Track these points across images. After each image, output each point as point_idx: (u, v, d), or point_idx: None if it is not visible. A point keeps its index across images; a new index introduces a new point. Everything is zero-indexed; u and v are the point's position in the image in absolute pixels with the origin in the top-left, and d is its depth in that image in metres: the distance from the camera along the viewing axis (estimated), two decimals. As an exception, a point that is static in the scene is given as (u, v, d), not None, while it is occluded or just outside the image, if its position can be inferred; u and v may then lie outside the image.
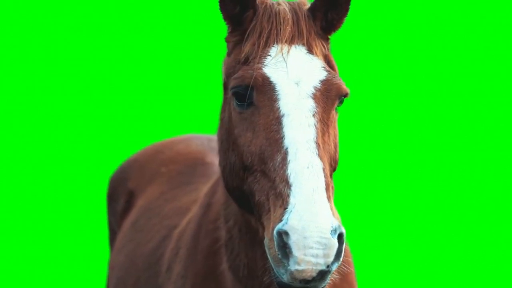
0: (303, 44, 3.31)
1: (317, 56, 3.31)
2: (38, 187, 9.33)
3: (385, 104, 10.00)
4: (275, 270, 3.03)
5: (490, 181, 9.40)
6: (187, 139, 5.29)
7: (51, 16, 10.31)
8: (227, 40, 3.44)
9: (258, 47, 3.27)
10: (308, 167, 3.03)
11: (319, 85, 3.23)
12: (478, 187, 9.34)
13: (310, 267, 2.91)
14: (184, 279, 3.87)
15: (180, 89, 10.03)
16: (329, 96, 3.23)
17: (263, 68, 3.21)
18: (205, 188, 4.20)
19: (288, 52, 3.26)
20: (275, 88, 3.19)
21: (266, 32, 3.28)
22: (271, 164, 3.07)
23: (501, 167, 9.53)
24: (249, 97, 3.20)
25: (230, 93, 3.29)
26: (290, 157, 3.05)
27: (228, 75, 3.35)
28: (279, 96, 3.18)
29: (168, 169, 4.90)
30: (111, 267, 4.86)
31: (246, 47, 3.28)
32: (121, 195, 5.16)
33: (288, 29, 3.30)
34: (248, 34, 3.30)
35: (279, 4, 3.40)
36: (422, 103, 10.01)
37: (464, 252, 8.62)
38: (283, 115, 3.14)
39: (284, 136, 3.10)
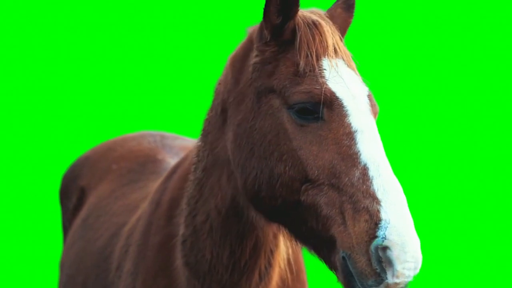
0: (342, 58, 3.37)
1: (354, 70, 3.38)
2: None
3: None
4: (358, 282, 3.10)
5: (483, 181, 9.43)
6: (139, 136, 5.29)
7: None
8: (260, 49, 3.39)
9: (312, 60, 3.29)
10: (394, 183, 3.11)
11: (368, 100, 3.32)
12: (471, 187, 9.36)
13: (404, 279, 3.05)
14: (134, 275, 3.88)
15: (136, 88, 10.02)
16: (373, 112, 3.33)
17: (328, 83, 3.25)
18: (154, 185, 4.20)
19: (337, 65, 3.31)
20: (342, 104, 3.23)
21: (314, 45, 3.31)
22: (347, 178, 3.12)
23: (489, 166, 9.56)
24: (317, 112, 3.22)
25: (286, 105, 3.28)
26: (372, 173, 3.11)
27: (283, 88, 3.30)
28: (348, 112, 3.22)
29: (119, 167, 4.89)
30: (62, 264, 4.87)
31: (301, 60, 3.28)
32: (73, 192, 5.17)
33: (331, 42, 3.34)
34: (299, 46, 3.31)
35: (312, 13, 3.43)
36: (411, 104, 10.03)
37: (457, 254, 8.65)
38: (355, 131, 3.19)
39: (359, 151, 3.15)
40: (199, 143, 3.64)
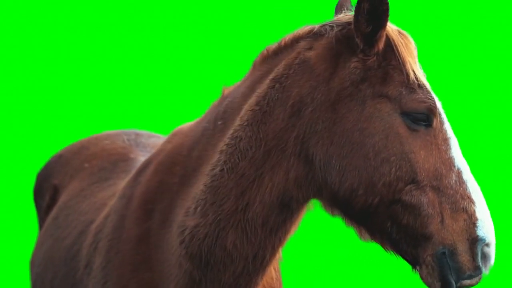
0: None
1: None
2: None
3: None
4: (454, 275, 3.43)
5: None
6: (114, 134, 5.29)
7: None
8: (360, 56, 3.57)
9: (415, 69, 3.56)
10: (478, 186, 3.51)
11: None
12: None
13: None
14: (106, 270, 3.87)
15: (114, 85, 10.00)
16: None
17: (432, 93, 3.58)
18: (123, 183, 4.19)
19: (423, 75, 3.64)
20: (440, 112, 3.57)
21: (411, 55, 3.58)
22: (446, 181, 3.47)
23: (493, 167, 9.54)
24: (429, 120, 3.51)
25: (400, 110, 3.51)
26: (465, 177, 3.49)
27: (399, 94, 3.53)
28: (444, 120, 3.57)
29: (91, 165, 4.90)
30: (32, 262, 4.89)
31: (409, 70, 3.55)
32: (46, 191, 5.18)
33: (416, 51, 3.64)
34: (403, 57, 3.55)
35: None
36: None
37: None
38: (450, 138, 3.54)
39: (453, 157, 3.50)
40: (242, 133, 3.65)
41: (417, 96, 3.51)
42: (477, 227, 3.41)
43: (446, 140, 3.53)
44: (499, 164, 9.56)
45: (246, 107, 3.67)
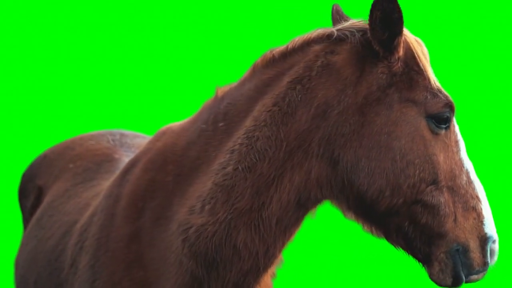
0: None
1: None
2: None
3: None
4: (465, 271, 3.62)
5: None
6: (99, 135, 5.27)
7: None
8: (385, 63, 3.65)
9: (433, 74, 3.69)
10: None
11: None
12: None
13: None
14: (94, 268, 3.84)
15: (98, 85, 9.99)
16: None
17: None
18: (107, 183, 4.17)
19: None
20: (453, 116, 3.71)
21: (427, 61, 3.71)
22: (459, 181, 3.65)
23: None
24: (449, 121, 3.66)
25: (425, 114, 3.63)
26: (472, 177, 3.68)
27: (425, 99, 3.65)
28: (455, 123, 3.72)
29: (76, 165, 4.88)
30: (16, 264, 4.87)
31: (430, 75, 3.68)
32: (31, 192, 5.17)
33: (429, 58, 3.75)
34: (423, 63, 3.68)
35: None
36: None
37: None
38: (459, 140, 3.71)
39: (462, 158, 3.69)
40: (259, 133, 3.65)
41: (440, 100, 3.63)
42: (484, 224, 3.62)
43: (457, 142, 3.69)
44: (494, 165, 9.59)
45: (260, 108, 3.66)
